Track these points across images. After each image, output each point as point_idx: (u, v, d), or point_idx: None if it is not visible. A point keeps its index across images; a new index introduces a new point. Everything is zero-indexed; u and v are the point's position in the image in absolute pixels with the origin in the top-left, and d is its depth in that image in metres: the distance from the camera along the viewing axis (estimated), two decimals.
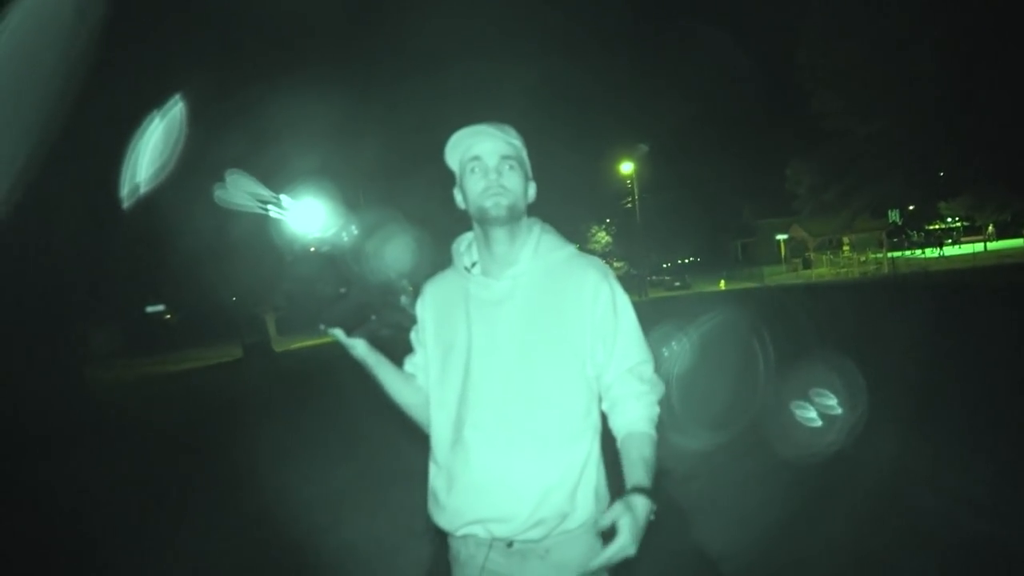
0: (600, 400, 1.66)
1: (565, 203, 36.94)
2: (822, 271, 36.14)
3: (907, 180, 28.63)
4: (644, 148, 37.49)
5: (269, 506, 5.43)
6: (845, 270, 34.29)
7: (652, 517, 1.46)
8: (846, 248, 37.61)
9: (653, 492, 1.49)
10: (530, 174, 1.72)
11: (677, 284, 41.37)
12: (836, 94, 28.59)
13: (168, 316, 40.87)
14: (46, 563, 4.81)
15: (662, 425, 1.64)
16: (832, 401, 6.06)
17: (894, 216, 34.11)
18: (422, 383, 1.75)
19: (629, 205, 40.37)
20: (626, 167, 38.37)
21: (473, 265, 1.71)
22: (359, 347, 1.69)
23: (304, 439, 7.91)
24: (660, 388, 1.66)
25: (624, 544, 1.39)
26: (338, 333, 1.65)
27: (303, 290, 1.69)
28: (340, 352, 1.72)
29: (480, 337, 1.62)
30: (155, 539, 5.01)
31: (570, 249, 1.71)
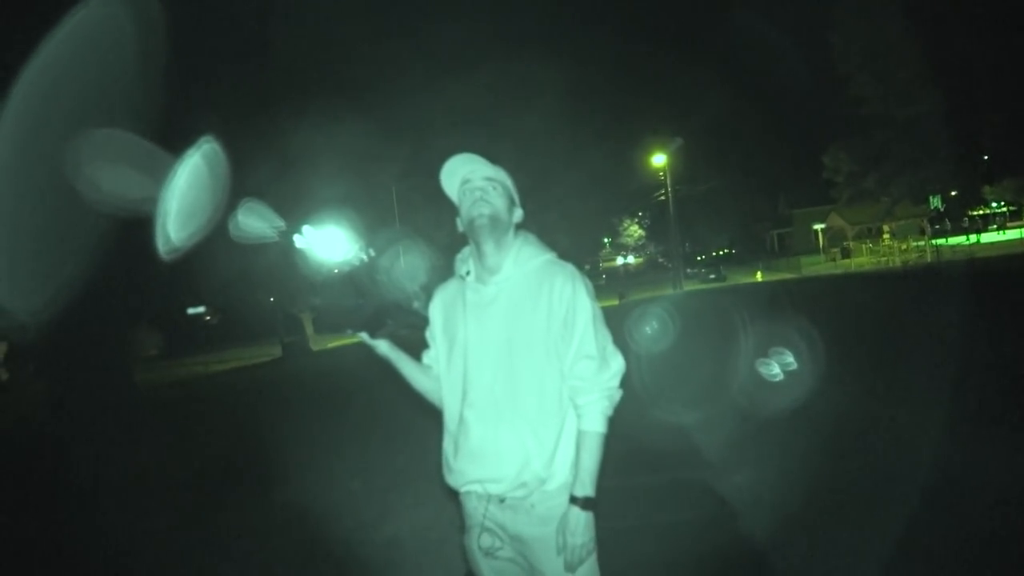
0: None
1: (597, 196, 36.82)
2: (861, 260, 35.32)
3: (950, 164, 27.87)
4: (679, 141, 37.02)
5: (314, 501, 5.50)
6: (886, 259, 33.48)
7: (589, 513, 1.84)
8: (886, 236, 36.73)
9: (591, 499, 1.84)
10: (516, 201, 2.05)
11: (712, 276, 40.80)
12: (874, 78, 27.93)
13: (209, 318, 41.73)
14: (95, 547, 4.94)
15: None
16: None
17: (936, 202, 33.16)
18: (436, 372, 2.09)
19: (662, 198, 39.95)
20: (659, 159, 37.96)
21: (468, 273, 2.02)
22: (382, 346, 2.06)
23: (346, 434, 8.00)
24: (612, 380, 1.91)
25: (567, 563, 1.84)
26: (363, 336, 2.03)
27: (329, 304, 2.06)
28: (369, 351, 2.07)
29: (474, 334, 1.95)
30: (200, 532, 5.11)
31: (546, 257, 2.01)
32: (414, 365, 2.12)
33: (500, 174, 2.01)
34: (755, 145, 51.66)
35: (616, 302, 27.55)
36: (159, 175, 10.97)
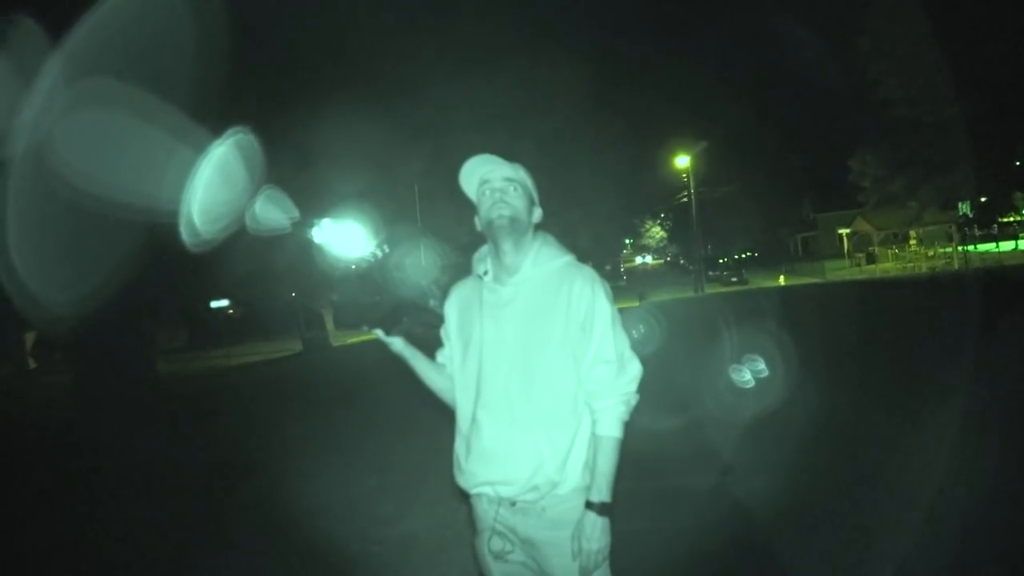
0: None
1: (619, 197, 36.66)
2: (887, 266, 34.85)
3: (980, 169, 27.36)
4: (703, 144, 36.79)
5: (330, 497, 5.53)
6: (912, 265, 32.99)
7: (605, 518, 1.83)
8: (913, 242, 36.19)
9: (607, 505, 1.83)
10: (536, 200, 2.03)
11: (734, 280, 40.49)
12: (903, 81, 27.51)
13: (232, 311, 42.13)
14: (117, 529, 5.02)
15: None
16: None
17: (965, 208, 32.56)
18: (450, 371, 2.08)
19: (685, 199, 39.69)
20: (682, 161, 37.73)
21: (485, 273, 2.01)
22: (396, 343, 2.05)
23: (364, 430, 8.03)
24: (629, 386, 1.91)
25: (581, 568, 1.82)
26: (379, 333, 2.02)
27: (347, 301, 2.07)
28: (384, 347, 2.05)
29: (490, 334, 1.93)
30: (214, 525, 5.15)
31: (566, 259, 1.99)
32: (428, 363, 2.11)
33: (519, 174, 1.99)
34: (780, 148, 51.19)
35: (636, 303, 27.43)
36: (187, 165, 11.00)
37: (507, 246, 1.93)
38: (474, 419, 1.92)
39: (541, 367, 1.87)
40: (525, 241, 1.97)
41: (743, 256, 62.80)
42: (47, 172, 8.97)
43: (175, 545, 4.80)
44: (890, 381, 7.08)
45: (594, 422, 1.88)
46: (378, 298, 2.03)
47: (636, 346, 1.97)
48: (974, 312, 10.92)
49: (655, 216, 73.73)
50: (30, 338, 30.16)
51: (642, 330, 12.12)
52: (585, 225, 31.93)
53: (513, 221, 1.92)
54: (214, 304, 35.36)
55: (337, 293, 2.09)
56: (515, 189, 1.95)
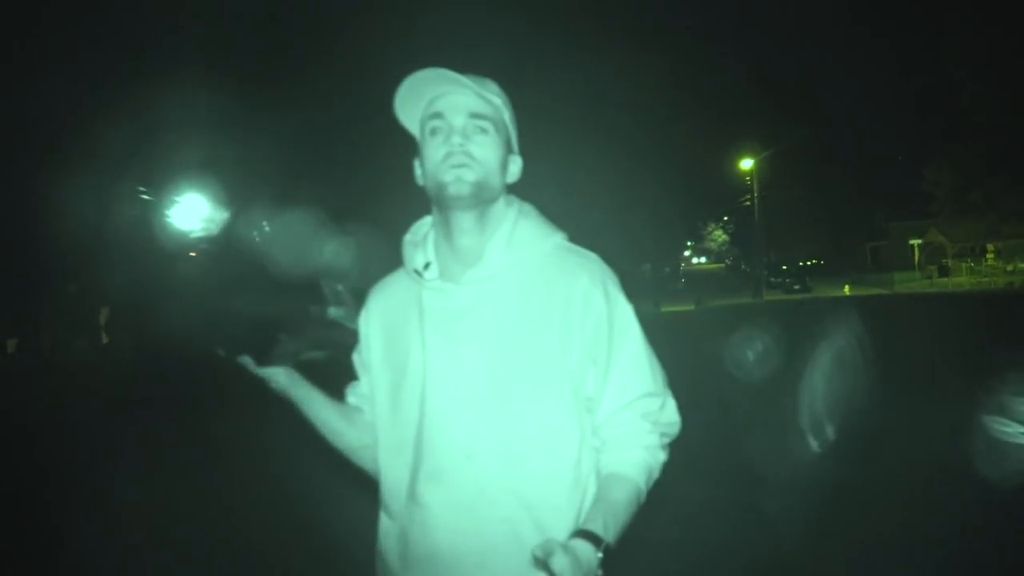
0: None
1: (681, 199, 36.07)
2: (960, 280, 33.34)
3: None
4: (769, 151, 36.03)
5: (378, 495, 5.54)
6: (988, 280, 31.45)
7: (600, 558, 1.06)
8: (990, 255, 34.50)
9: (608, 547, 1.09)
10: (515, 146, 1.32)
11: (796, 287, 39.44)
12: (988, 86, 26.30)
13: None
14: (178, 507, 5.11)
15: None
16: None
17: None
18: (370, 419, 1.37)
19: (748, 203, 38.85)
20: (746, 163, 36.95)
21: (427, 266, 1.29)
22: (279, 376, 1.31)
23: None
24: (672, 428, 1.29)
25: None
26: (246, 361, 1.27)
27: (188, 305, 1.45)
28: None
29: (437, 361, 1.24)
30: (259, 512, 5.15)
31: (555, 240, 1.30)
32: (333, 408, 1.38)
33: (494, 104, 1.25)
34: (851, 152, 49.49)
35: (692, 307, 26.98)
36: None
37: (465, 223, 1.24)
38: (413, 497, 1.23)
39: (525, 412, 1.20)
40: (493, 213, 1.27)
41: (808, 264, 61.07)
42: None
43: (216, 524, 4.88)
44: (946, 399, 6.76)
45: (615, 463, 1.22)
46: (237, 303, 1.29)
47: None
48: None
49: (717, 219, 72.58)
50: (104, 314, 31.56)
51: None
52: (647, 226, 31.55)
53: (479, 187, 1.21)
54: None
55: (170, 297, 1.38)
56: (485, 132, 1.23)
